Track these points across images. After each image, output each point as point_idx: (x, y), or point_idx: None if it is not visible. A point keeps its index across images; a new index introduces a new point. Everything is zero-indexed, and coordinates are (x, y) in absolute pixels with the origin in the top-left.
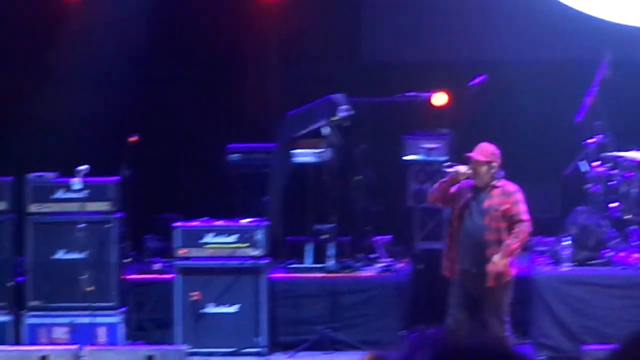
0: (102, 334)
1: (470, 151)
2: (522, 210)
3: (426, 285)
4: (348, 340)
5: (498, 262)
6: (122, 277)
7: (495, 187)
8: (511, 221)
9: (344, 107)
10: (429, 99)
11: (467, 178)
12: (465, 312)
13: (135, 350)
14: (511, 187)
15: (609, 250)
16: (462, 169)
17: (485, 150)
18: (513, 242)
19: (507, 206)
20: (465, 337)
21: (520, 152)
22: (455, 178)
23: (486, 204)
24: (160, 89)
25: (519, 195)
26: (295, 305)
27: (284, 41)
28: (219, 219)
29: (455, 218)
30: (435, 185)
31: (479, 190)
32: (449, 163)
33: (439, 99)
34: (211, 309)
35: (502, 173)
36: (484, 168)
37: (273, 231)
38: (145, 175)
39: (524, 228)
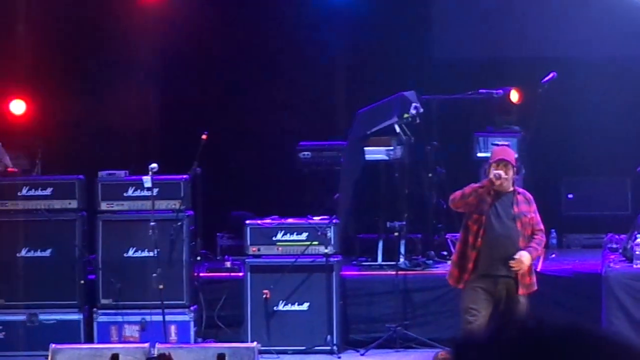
0: (173, 332)
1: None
2: (540, 219)
3: None
4: (419, 337)
5: (526, 261)
6: (193, 275)
7: (518, 192)
8: (533, 229)
9: (416, 104)
10: (506, 96)
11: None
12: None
13: (206, 348)
14: (529, 195)
15: None
16: (503, 173)
17: (510, 154)
18: (538, 247)
19: (532, 214)
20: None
21: (591, 149)
22: (494, 183)
23: (516, 209)
24: (232, 86)
25: (535, 205)
26: (366, 302)
27: (355, 39)
28: (290, 216)
29: (474, 223)
30: (467, 190)
31: (500, 195)
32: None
33: (513, 95)
34: (282, 306)
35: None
36: (511, 172)
37: (344, 229)
38: (217, 172)
39: (544, 238)
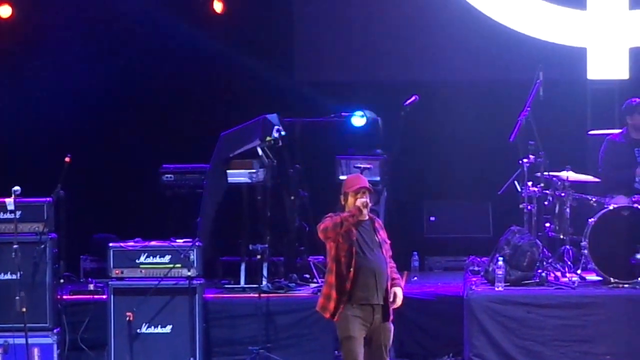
0: (36, 355)
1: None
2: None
3: None
4: None
5: (401, 295)
6: (56, 297)
7: (373, 219)
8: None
9: (278, 127)
10: (349, 120)
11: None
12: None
13: None
14: (380, 221)
15: (542, 270)
16: (368, 201)
17: (366, 180)
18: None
19: (388, 241)
20: None
21: (453, 172)
22: (362, 212)
23: (378, 237)
24: (95, 108)
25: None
26: (229, 325)
27: (219, 60)
28: (153, 239)
29: (345, 254)
30: (337, 220)
31: (361, 223)
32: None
33: (358, 120)
34: (145, 329)
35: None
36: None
37: (207, 251)
38: (80, 195)
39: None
